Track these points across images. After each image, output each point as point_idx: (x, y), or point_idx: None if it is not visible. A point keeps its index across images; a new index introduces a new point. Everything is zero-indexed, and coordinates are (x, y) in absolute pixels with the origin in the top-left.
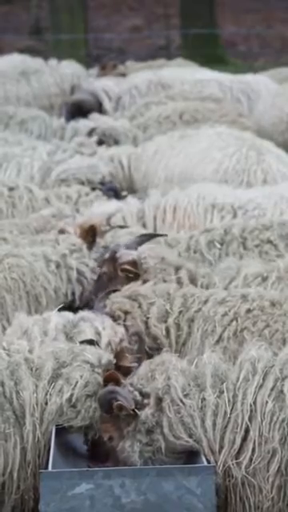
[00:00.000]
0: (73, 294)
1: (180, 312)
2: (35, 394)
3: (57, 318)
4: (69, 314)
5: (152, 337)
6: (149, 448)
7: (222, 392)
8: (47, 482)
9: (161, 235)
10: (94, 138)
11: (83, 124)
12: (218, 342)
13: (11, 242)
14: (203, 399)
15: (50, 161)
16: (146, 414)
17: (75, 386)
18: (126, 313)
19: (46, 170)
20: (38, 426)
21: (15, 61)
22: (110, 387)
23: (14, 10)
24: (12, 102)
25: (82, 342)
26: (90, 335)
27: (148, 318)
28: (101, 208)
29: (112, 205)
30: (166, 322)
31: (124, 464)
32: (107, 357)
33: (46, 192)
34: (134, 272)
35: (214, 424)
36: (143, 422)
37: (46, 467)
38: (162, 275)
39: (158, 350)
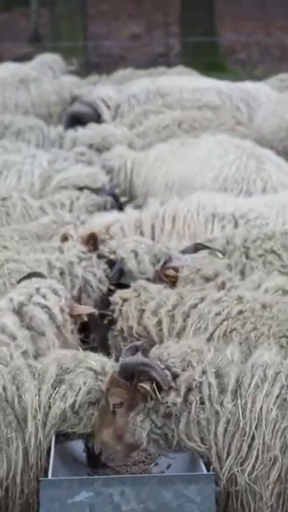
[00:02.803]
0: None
1: (174, 306)
2: (38, 397)
3: (9, 320)
4: (10, 306)
5: (143, 326)
6: (159, 431)
7: (236, 399)
8: (47, 489)
9: (215, 249)
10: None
11: (82, 133)
12: (208, 340)
13: (13, 250)
14: (222, 404)
15: (51, 169)
16: (173, 400)
17: (78, 392)
18: (125, 300)
19: (47, 177)
20: (40, 429)
21: (15, 68)
22: (145, 359)
23: (14, 18)
24: (11, 109)
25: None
26: (42, 317)
27: (144, 309)
28: (100, 218)
29: (111, 215)
30: (158, 314)
31: (124, 440)
32: (111, 364)
33: (40, 201)
34: (175, 278)
35: (226, 431)
36: (166, 406)
37: (46, 475)
38: (190, 286)
39: (147, 338)
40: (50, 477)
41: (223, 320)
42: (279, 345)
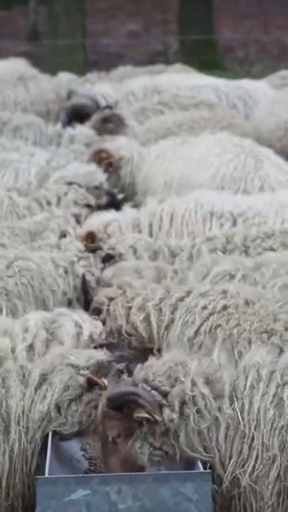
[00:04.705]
0: (77, 300)
1: (161, 300)
2: (22, 402)
3: (35, 316)
4: (46, 313)
5: (131, 323)
6: (158, 453)
7: (233, 402)
8: (43, 488)
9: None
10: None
11: (80, 131)
12: (196, 334)
13: (10, 248)
14: (219, 410)
15: (48, 167)
16: (169, 416)
17: (54, 391)
18: (111, 299)
19: (44, 175)
20: (23, 435)
21: (13, 66)
22: (129, 388)
23: (12, 16)
24: (9, 107)
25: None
26: (70, 329)
27: (130, 306)
28: (98, 218)
29: (108, 214)
30: (145, 309)
31: (131, 465)
32: (98, 357)
33: (27, 199)
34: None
35: (226, 436)
36: (163, 424)
37: (43, 473)
38: (124, 275)
39: (136, 336)
40: (46, 475)
41: (210, 314)
42: (260, 340)
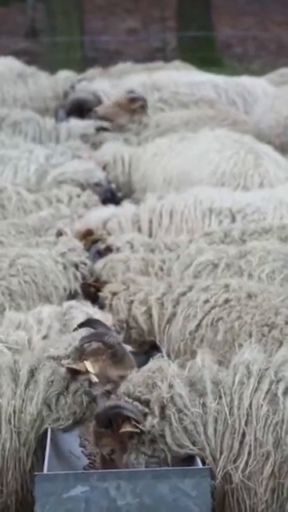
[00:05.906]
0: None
1: (163, 294)
2: (13, 401)
3: (47, 309)
4: (56, 306)
5: (132, 316)
6: (154, 460)
7: (220, 397)
8: (42, 484)
9: None
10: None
11: (75, 124)
12: (197, 328)
13: (7, 246)
14: (204, 405)
15: (47, 164)
16: (150, 423)
17: (40, 389)
18: (114, 294)
19: (43, 172)
20: (15, 435)
21: (12, 62)
22: (111, 402)
23: (11, 12)
24: (9, 103)
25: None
26: (82, 320)
27: (132, 300)
28: (97, 213)
29: (108, 210)
30: (147, 303)
31: None
32: (76, 341)
33: (36, 196)
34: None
35: (215, 430)
36: (148, 432)
37: (42, 469)
38: (112, 271)
39: (136, 328)
40: (45, 471)
41: (211, 307)
42: (261, 333)
